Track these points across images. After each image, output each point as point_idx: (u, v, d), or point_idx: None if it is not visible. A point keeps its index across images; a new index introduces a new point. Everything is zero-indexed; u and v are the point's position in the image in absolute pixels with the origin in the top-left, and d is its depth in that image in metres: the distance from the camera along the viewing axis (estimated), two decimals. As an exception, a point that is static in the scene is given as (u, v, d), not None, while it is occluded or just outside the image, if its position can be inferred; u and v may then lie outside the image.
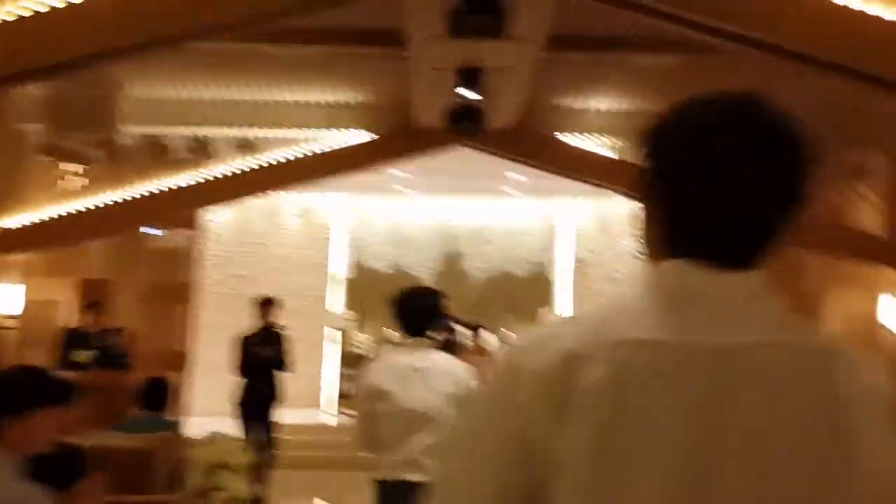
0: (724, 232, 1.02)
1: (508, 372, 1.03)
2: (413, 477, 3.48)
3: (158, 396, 6.12)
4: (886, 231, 9.79)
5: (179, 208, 9.40)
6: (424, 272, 14.32)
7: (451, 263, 14.25)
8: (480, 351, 10.33)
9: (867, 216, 10.32)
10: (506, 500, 0.98)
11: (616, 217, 14.48)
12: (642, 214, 1.10)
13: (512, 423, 0.99)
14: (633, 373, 0.94)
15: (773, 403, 0.94)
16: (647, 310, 1.00)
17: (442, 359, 3.84)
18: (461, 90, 8.06)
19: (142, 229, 11.85)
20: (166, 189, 9.17)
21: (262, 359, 8.03)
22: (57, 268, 10.50)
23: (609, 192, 13.52)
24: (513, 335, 13.80)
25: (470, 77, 7.83)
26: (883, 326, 9.87)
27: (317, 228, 14.28)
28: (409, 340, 3.84)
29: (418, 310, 3.87)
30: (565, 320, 1.14)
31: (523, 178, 12.23)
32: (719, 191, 1.01)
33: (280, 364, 8.20)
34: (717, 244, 1.02)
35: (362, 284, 14.03)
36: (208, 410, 13.71)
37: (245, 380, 8.14)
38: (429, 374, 3.68)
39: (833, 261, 10.45)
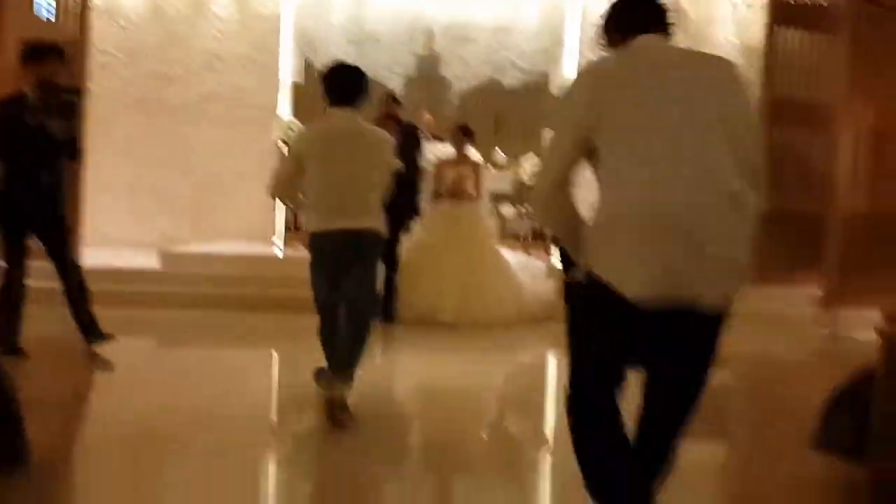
0: (643, 22, 2.35)
1: (578, 79, 2.36)
2: (340, 225, 4.09)
3: None
4: None
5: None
6: (392, 78, 11.31)
7: (427, 68, 11.23)
8: (463, 160, 7.49)
9: None
10: (577, 142, 2.18)
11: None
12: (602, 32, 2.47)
13: (578, 101, 2.23)
14: (625, 72, 2.25)
15: (684, 78, 2.21)
16: (623, 54, 2.33)
17: (369, 127, 4.36)
18: None
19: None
20: None
21: (45, 135, 4.90)
22: None
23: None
24: (501, 156, 10.95)
25: None
26: None
27: (257, 19, 11.12)
28: (339, 110, 4.22)
29: (346, 84, 4.25)
30: (593, 62, 2.43)
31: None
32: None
33: (72, 146, 5.05)
34: (644, 27, 2.34)
35: (312, 92, 11.00)
36: (109, 239, 11.04)
37: (11, 167, 4.95)
38: (355, 139, 4.19)
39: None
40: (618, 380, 2.20)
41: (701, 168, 2.06)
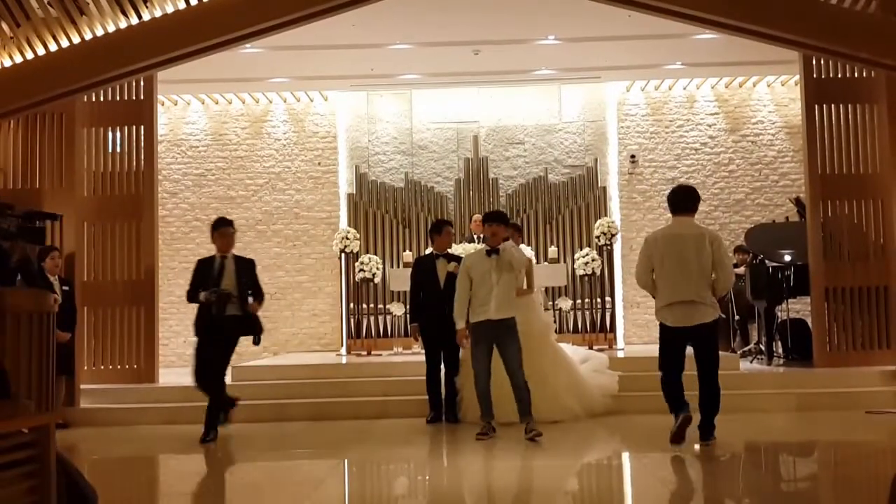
0: (682, 208, 5.81)
1: (644, 244, 5.87)
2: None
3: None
4: None
5: (99, 69, 6.61)
6: (443, 183, 11.38)
7: (475, 171, 11.27)
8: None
9: None
10: (648, 271, 5.78)
11: (673, 100, 11.35)
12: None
13: (646, 254, 5.79)
14: (660, 241, 5.71)
15: (690, 248, 5.64)
16: (670, 226, 5.84)
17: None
18: None
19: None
20: (79, 42, 6.38)
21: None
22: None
23: (665, 64, 10.45)
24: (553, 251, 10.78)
25: None
26: None
27: (312, 138, 11.40)
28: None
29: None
30: (650, 235, 5.91)
31: (553, 41, 9.16)
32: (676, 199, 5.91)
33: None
34: (681, 211, 5.82)
35: (367, 200, 11.12)
36: (184, 357, 11.06)
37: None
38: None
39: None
40: (680, 365, 5.56)
41: (685, 280, 5.52)
